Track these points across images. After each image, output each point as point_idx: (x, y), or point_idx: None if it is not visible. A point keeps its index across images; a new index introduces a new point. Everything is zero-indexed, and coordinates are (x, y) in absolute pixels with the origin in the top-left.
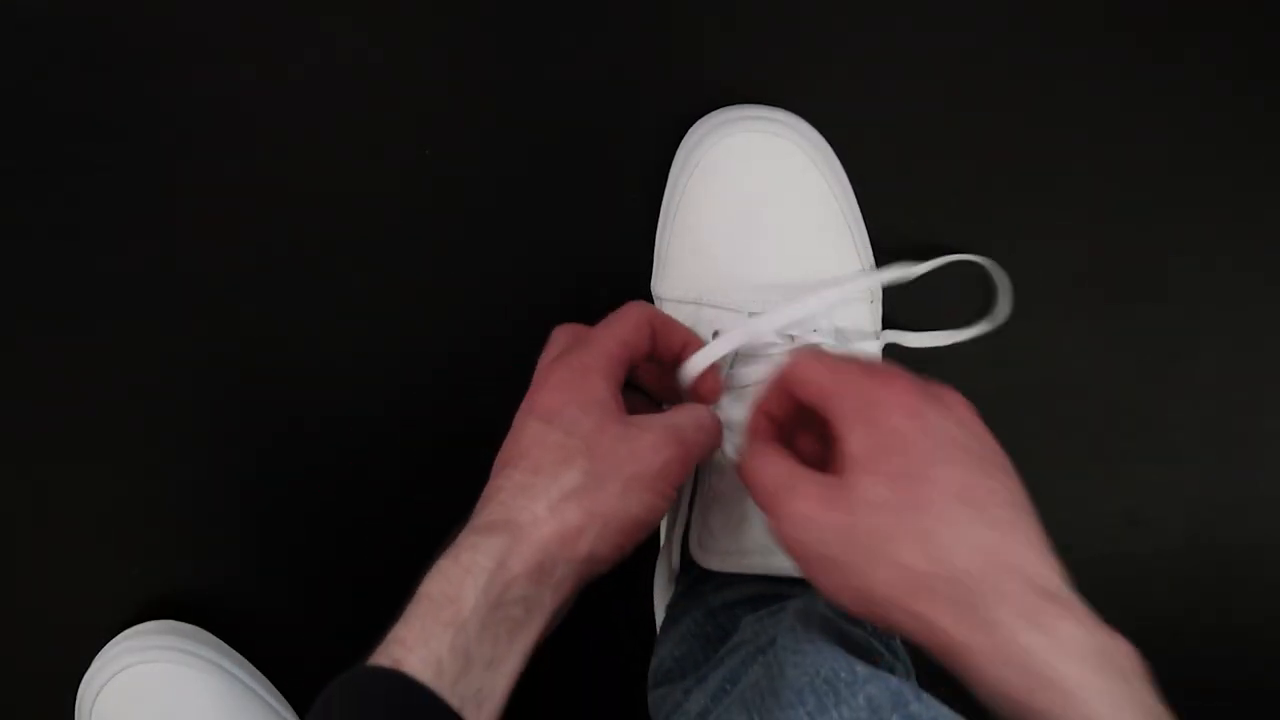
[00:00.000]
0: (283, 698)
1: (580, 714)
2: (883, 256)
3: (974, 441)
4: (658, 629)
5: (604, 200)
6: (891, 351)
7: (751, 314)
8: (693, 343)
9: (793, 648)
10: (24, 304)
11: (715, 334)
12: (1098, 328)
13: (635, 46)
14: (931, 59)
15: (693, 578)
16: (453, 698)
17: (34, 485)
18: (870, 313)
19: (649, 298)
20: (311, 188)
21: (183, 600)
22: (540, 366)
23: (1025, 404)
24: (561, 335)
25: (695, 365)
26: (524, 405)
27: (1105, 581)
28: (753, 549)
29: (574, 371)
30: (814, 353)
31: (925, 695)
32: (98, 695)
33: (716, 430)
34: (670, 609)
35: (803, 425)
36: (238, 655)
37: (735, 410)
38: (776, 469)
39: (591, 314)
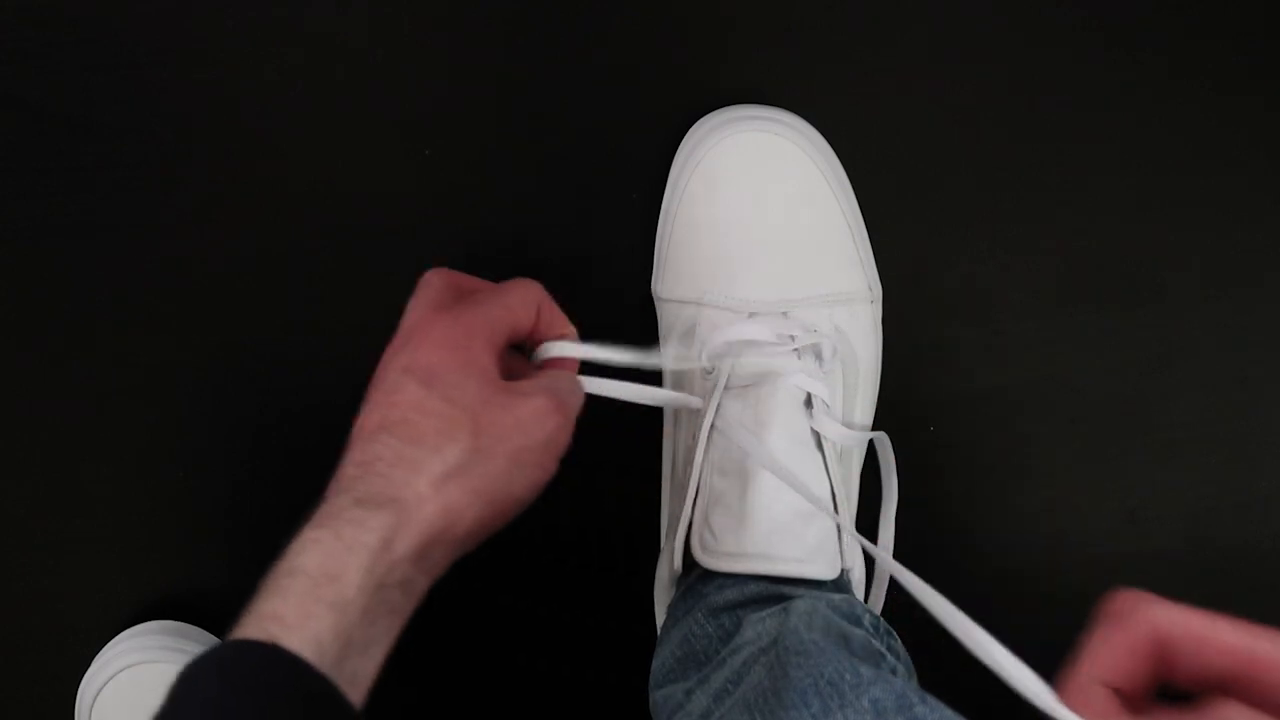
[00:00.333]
0: None
1: (581, 714)
2: (883, 256)
3: None
4: (659, 630)
5: (604, 200)
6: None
7: (752, 314)
8: (570, 335)
9: (796, 649)
10: (24, 304)
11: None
12: (1097, 328)
13: (636, 46)
14: (932, 59)
15: (694, 578)
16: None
17: (34, 485)
18: (871, 313)
19: (649, 298)
20: (311, 188)
21: (183, 600)
22: (415, 313)
23: (1025, 404)
24: (436, 280)
25: (557, 349)
26: (397, 357)
27: (1105, 581)
28: (754, 550)
29: (457, 331)
30: (1194, 613)
31: (930, 697)
32: (98, 695)
33: (581, 390)
34: (672, 609)
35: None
36: None
37: (732, 409)
38: None
39: (591, 314)
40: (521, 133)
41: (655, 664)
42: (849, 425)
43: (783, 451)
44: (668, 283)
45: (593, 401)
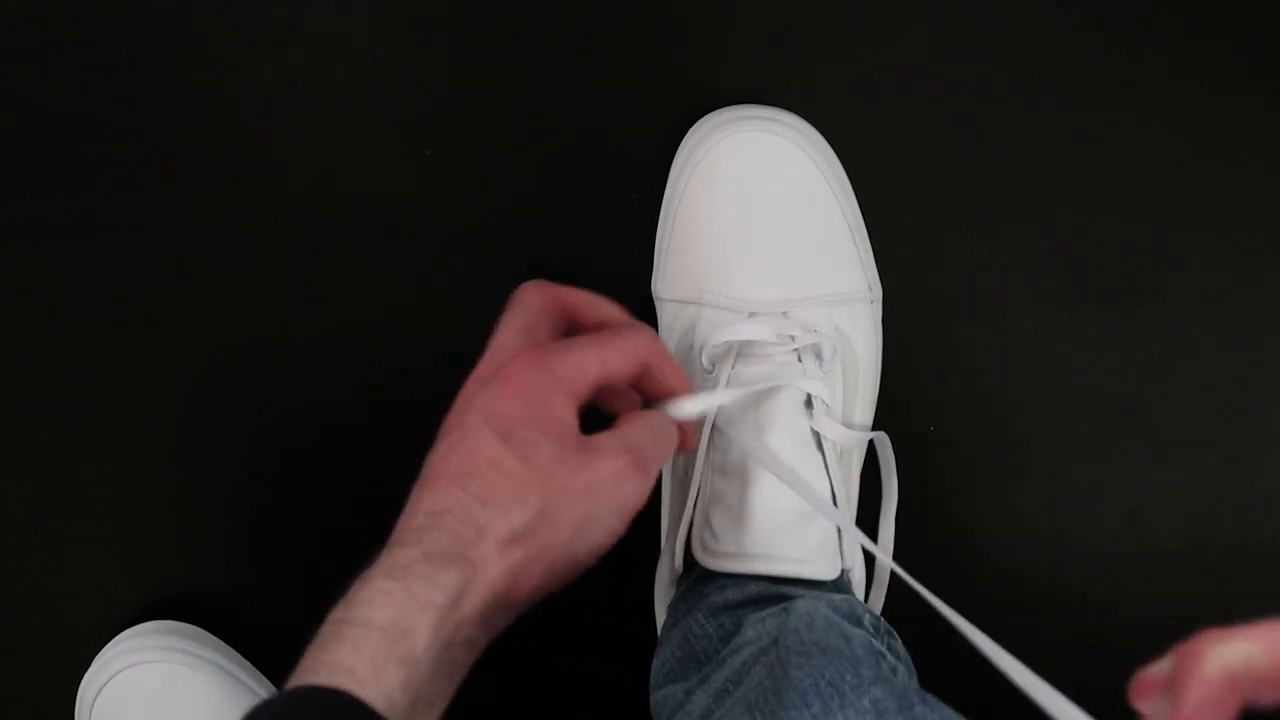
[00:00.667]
0: None
1: (581, 714)
2: (883, 256)
3: None
4: (659, 630)
5: (604, 200)
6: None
7: (752, 314)
8: (682, 389)
9: (797, 649)
10: (24, 304)
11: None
12: (1098, 328)
13: (636, 46)
14: (932, 59)
15: (695, 578)
16: None
17: (34, 485)
18: (871, 313)
19: (649, 298)
20: (311, 188)
21: (183, 600)
22: (505, 337)
23: (1025, 404)
24: (533, 298)
25: (686, 408)
26: (480, 395)
27: (1105, 581)
28: (755, 550)
29: (543, 383)
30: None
31: (930, 697)
32: (98, 695)
33: (675, 436)
34: (672, 609)
35: None
36: (238, 655)
37: (733, 409)
38: None
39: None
40: (521, 133)
41: (655, 664)
42: (849, 425)
43: (783, 452)
44: (668, 283)
45: (593, 402)
